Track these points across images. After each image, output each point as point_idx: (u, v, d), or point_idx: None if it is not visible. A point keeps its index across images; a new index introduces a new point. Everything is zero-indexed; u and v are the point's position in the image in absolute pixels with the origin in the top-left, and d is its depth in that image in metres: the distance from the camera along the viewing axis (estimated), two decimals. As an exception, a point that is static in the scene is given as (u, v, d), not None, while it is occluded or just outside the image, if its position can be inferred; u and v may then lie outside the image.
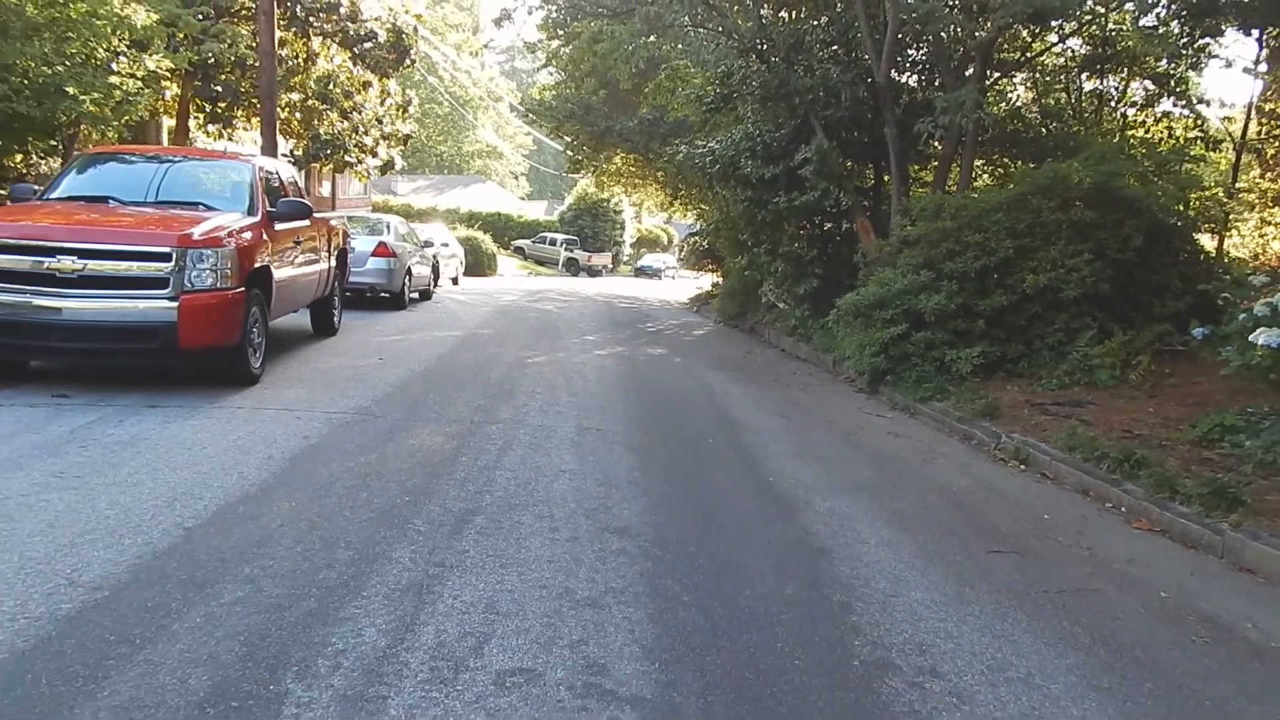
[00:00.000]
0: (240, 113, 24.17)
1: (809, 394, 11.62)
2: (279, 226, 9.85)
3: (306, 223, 10.87)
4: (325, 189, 38.88)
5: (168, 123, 24.94)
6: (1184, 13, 12.68)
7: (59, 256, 7.67)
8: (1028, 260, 10.90)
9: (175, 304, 7.83)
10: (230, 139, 26.58)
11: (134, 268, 7.89)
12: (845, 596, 4.70)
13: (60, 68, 14.60)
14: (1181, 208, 11.63)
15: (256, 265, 8.95)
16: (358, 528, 5.04)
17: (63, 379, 8.30)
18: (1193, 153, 13.09)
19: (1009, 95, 16.25)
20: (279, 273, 9.73)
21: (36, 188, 10.29)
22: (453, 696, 3.36)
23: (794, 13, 16.82)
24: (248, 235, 8.85)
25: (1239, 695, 3.99)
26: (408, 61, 27.11)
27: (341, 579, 4.33)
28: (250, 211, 9.40)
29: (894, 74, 14.17)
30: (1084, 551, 5.81)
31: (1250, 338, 6.84)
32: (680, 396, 10.74)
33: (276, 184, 10.77)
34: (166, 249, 7.89)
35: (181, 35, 18.69)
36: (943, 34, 13.17)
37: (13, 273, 7.75)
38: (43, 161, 20.18)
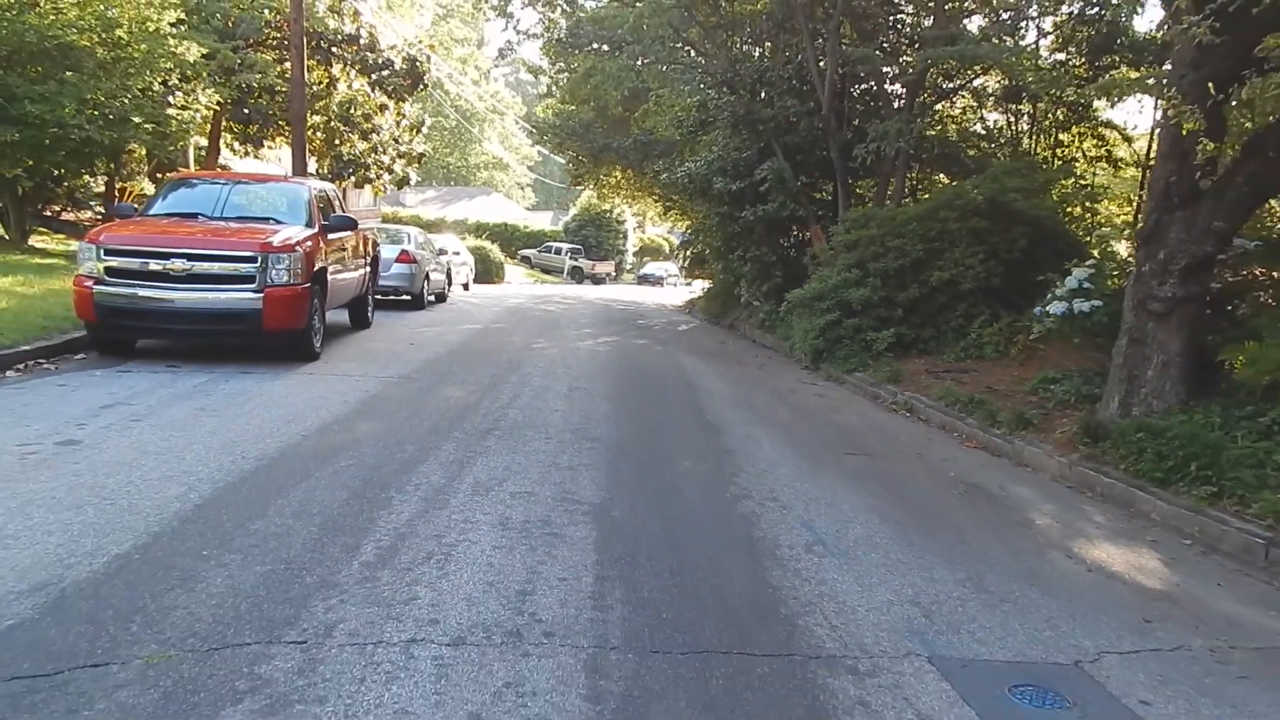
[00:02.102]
0: (269, 134, 26.76)
1: (763, 370, 14.15)
2: (330, 236, 12.36)
3: (350, 233, 13.40)
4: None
5: (196, 139, 27.58)
6: (1084, 51, 15.27)
7: (173, 259, 10.18)
8: (935, 260, 13.44)
9: (260, 295, 10.33)
10: (257, 157, 29.24)
11: (229, 268, 10.38)
12: (735, 470, 7.24)
13: (126, 100, 17.08)
14: (1063, 216, 14.15)
15: (316, 267, 11.47)
16: (416, 436, 7.57)
17: (165, 355, 10.79)
18: (1079, 171, 15.61)
19: (944, 121, 18.80)
20: (331, 274, 12.25)
21: (136, 206, 12.79)
22: (484, 502, 5.87)
23: (760, 48, 19.38)
24: (309, 243, 11.34)
25: (962, 512, 6.54)
26: (422, 86, 29.71)
27: (410, 458, 6.85)
28: (309, 224, 11.90)
29: (839, 105, 16.69)
30: (916, 456, 8.37)
31: (1048, 309, 9.39)
32: (655, 371, 13.26)
33: (325, 201, 13.29)
34: (253, 253, 10.40)
35: (217, 65, 21.09)
36: (881, 72, 15.75)
37: (128, 271, 10.22)
38: (91, 181, 22.79)
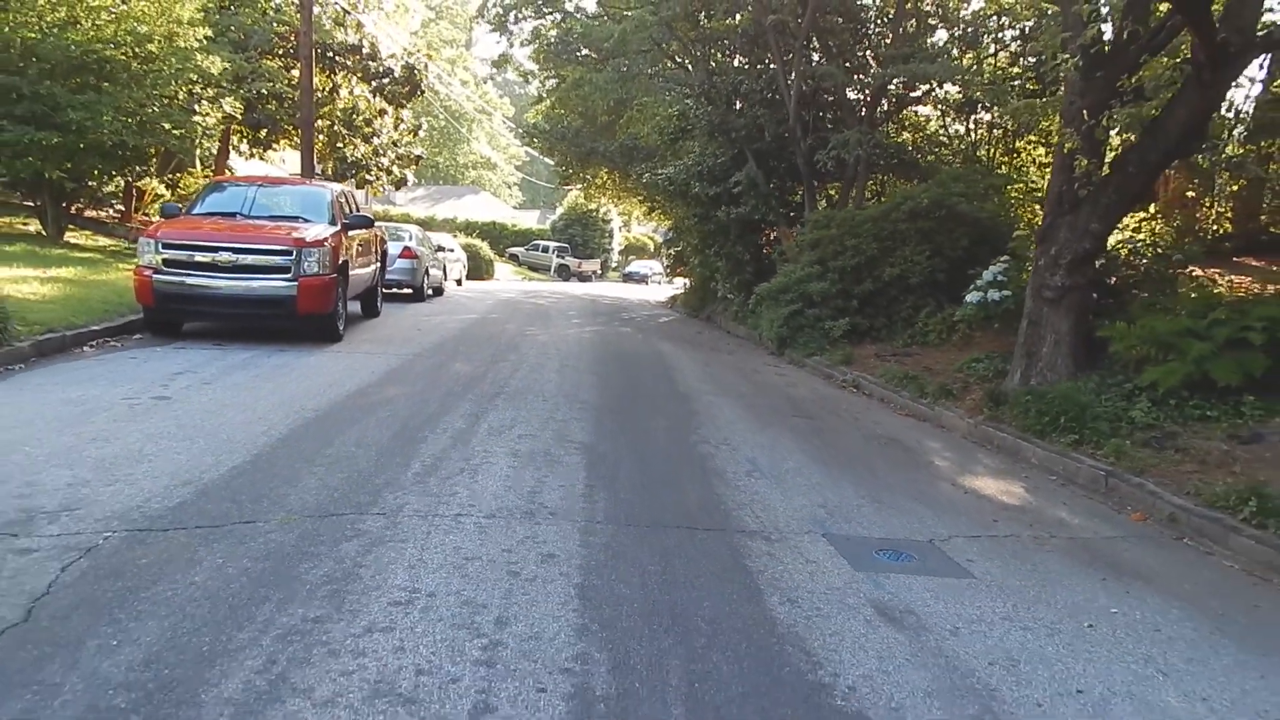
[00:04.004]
0: (276, 138, 28.32)
1: (733, 355, 15.83)
2: (350, 234, 13.98)
3: (366, 231, 15.03)
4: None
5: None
6: (1032, 67, 16.97)
7: (221, 252, 11.78)
8: (888, 258, 15.12)
9: (295, 284, 11.94)
10: (263, 159, 30.80)
11: (268, 260, 11.97)
12: (698, 425, 8.92)
13: (156, 108, 18.64)
14: (1008, 217, 15.84)
15: (340, 260, 13.08)
16: (437, 397, 9.21)
17: (209, 335, 12.36)
18: (1033, 176, 17.35)
19: (908, 129, 20.54)
20: (352, 267, 13.86)
21: (181, 206, 14.37)
22: (498, 440, 7.52)
23: (735, 61, 21.06)
24: (335, 240, 12.95)
25: (878, 457, 8.23)
26: (419, 93, 31.34)
27: (435, 411, 8.49)
28: (332, 223, 13.51)
29: (805, 115, 18.37)
30: (853, 419, 10.06)
31: (967, 298, 11.10)
32: (635, 354, 14.92)
33: (345, 202, 14.90)
34: (289, 248, 12.01)
35: (231, 74, 22.62)
36: (843, 86, 17.44)
37: (182, 262, 11.80)
38: (109, 182, 24.24)
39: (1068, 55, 8.50)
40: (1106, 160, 9.80)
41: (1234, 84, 13.37)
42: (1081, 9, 8.02)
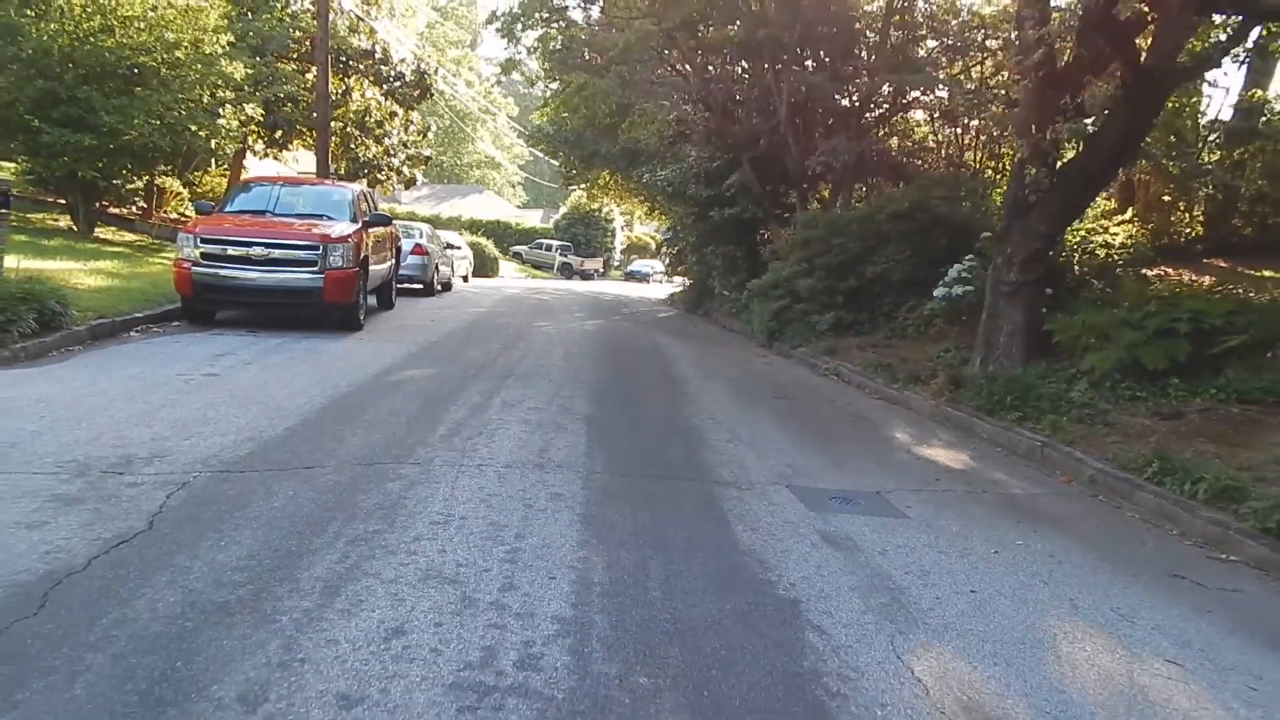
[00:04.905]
0: (290, 139, 29.39)
1: (725, 347, 16.92)
2: (370, 231, 15.05)
3: (383, 229, 16.11)
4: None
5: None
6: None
7: (254, 247, 12.85)
8: (871, 257, 16.18)
9: (321, 276, 13.00)
10: (277, 159, 31.88)
11: (297, 254, 13.02)
12: (687, 403, 10.00)
13: (183, 111, 19.70)
14: (986, 217, 16.88)
15: (361, 255, 14.15)
16: (454, 378, 10.29)
17: (241, 324, 13.42)
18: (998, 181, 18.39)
19: (898, 134, 21.62)
20: (371, 262, 14.93)
21: (213, 204, 15.46)
22: (511, 411, 8.60)
23: (735, 67, 22.14)
24: (356, 236, 14.01)
25: (847, 431, 9.32)
26: (429, 96, 32.44)
27: (454, 388, 9.57)
28: (354, 220, 14.58)
29: (796, 122, 19.45)
30: (828, 401, 11.14)
31: (934, 294, 12.17)
32: (634, 345, 16.01)
33: (364, 201, 15.98)
34: (316, 243, 13.08)
35: (251, 78, 23.68)
36: (832, 95, 18.52)
37: (219, 256, 12.85)
38: (133, 180, 25.28)
39: (1018, 77, 9.56)
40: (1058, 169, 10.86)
41: (1206, 96, 14.46)
42: (1025, 34, 9.10)
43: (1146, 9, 8.49)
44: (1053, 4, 9.58)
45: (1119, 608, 4.95)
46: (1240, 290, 11.43)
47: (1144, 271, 15.74)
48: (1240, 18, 9.60)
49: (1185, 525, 6.60)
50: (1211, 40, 11.32)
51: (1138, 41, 9.42)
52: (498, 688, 3.42)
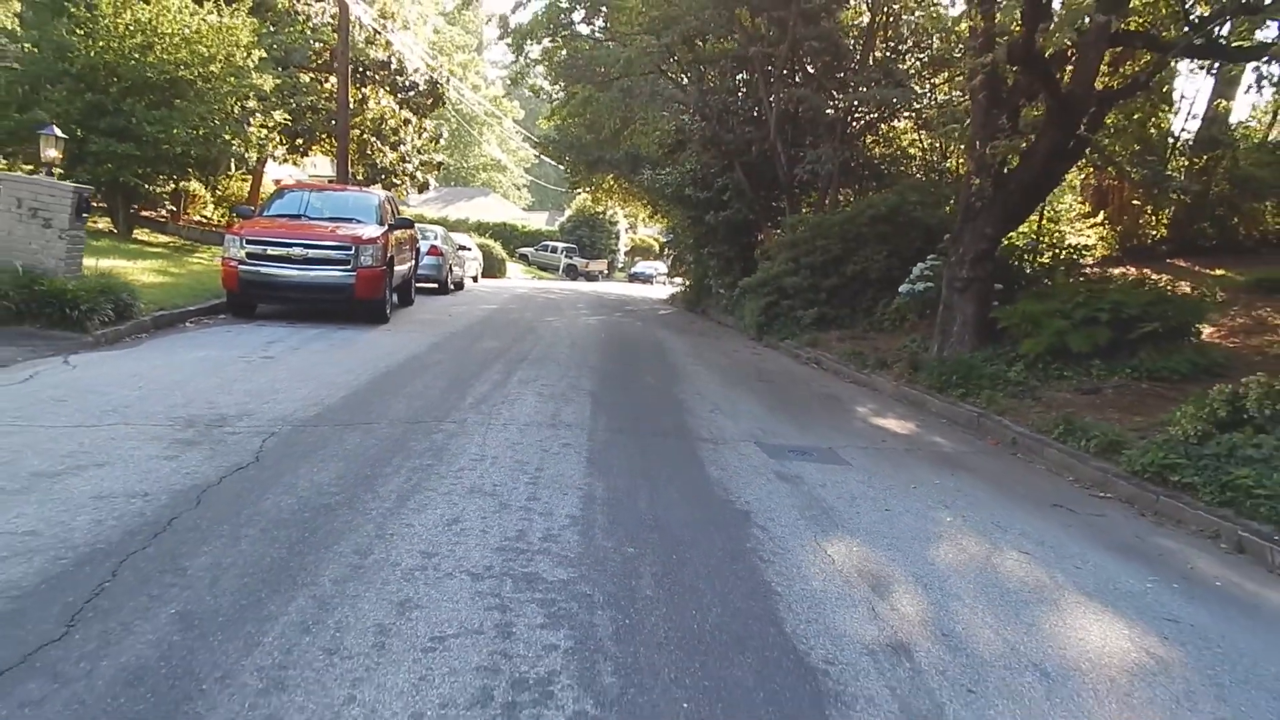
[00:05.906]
0: (309, 146, 30.95)
1: (719, 340, 18.42)
2: (394, 233, 16.56)
3: (405, 232, 17.64)
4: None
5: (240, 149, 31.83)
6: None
7: (294, 247, 14.36)
8: (851, 256, 17.68)
9: (353, 274, 14.51)
10: (296, 164, 33.45)
11: (331, 254, 14.54)
12: (678, 383, 11.51)
13: (217, 121, 21.23)
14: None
15: (388, 256, 15.66)
16: (474, 362, 11.80)
17: (280, 316, 14.90)
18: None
19: (884, 142, 23.12)
20: (395, 262, 16.45)
21: (252, 209, 16.97)
22: (527, 388, 10.11)
23: (729, 80, 23.66)
24: (383, 238, 15.53)
25: (816, 407, 10.82)
26: (441, 104, 34.00)
27: (475, 370, 11.08)
28: (381, 224, 16.09)
29: (785, 131, 20.97)
30: (805, 384, 12.66)
31: (900, 289, 13.68)
32: (635, 337, 17.52)
33: (390, 206, 17.50)
34: (349, 245, 14.59)
35: (276, 88, 25.21)
36: (818, 106, 20.04)
37: (262, 255, 14.36)
38: (166, 185, 26.75)
39: (965, 98, 11.06)
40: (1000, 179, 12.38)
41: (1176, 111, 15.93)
42: (970, 62, 10.62)
43: (1068, 44, 9.98)
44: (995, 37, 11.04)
45: (999, 522, 6.46)
46: (1161, 284, 12.93)
47: (1109, 270, 17.30)
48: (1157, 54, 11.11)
49: (1079, 473, 8.12)
50: (1142, 63, 12.80)
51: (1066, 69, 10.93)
52: (529, 550, 4.94)
